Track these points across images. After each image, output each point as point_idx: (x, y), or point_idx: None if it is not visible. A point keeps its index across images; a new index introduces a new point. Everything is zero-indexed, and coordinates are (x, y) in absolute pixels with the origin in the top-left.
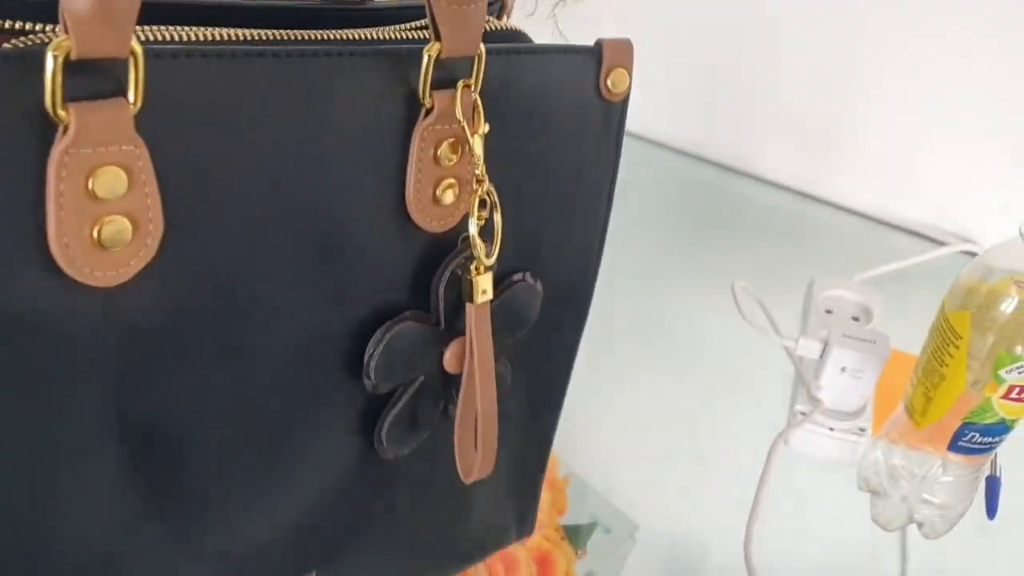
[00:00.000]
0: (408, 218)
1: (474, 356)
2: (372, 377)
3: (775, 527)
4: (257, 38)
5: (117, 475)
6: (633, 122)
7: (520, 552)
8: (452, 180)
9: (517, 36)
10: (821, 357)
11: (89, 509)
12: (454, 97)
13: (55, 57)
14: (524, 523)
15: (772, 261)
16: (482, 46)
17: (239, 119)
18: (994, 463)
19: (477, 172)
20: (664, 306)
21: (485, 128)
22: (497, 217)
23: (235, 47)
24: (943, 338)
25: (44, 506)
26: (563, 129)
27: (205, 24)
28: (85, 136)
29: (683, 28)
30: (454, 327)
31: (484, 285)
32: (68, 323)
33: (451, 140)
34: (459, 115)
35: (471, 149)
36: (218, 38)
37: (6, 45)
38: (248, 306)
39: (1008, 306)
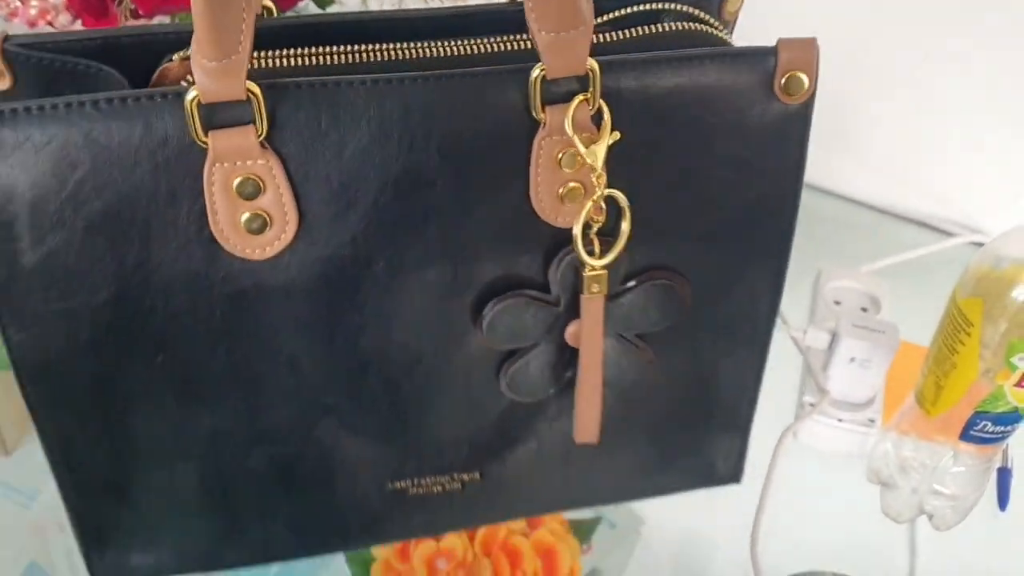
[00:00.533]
0: (534, 214)
1: (583, 340)
2: (485, 334)
3: (784, 521)
4: (357, 59)
5: (303, 395)
6: None
7: (524, 545)
8: (576, 184)
9: (704, 38)
10: (829, 348)
11: (279, 419)
12: (565, 112)
13: (190, 100)
14: (727, 472)
15: None
16: (594, 62)
17: (363, 133)
18: (1006, 454)
19: (594, 178)
20: None
21: (615, 136)
22: (624, 224)
23: (336, 78)
24: (954, 326)
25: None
26: (729, 136)
27: (318, 41)
28: (222, 155)
29: None
30: (576, 309)
31: (595, 281)
32: (241, 282)
33: (571, 150)
34: (569, 131)
35: (583, 159)
36: (322, 63)
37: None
38: (382, 270)
39: (1020, 293)
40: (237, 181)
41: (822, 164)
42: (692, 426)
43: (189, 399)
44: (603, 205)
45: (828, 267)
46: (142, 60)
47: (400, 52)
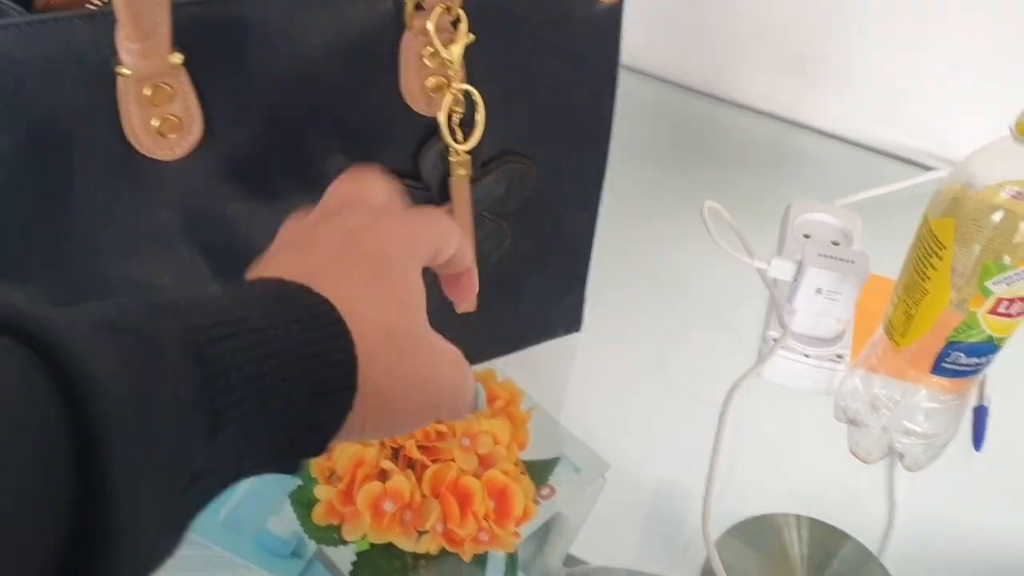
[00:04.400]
0: (407, 107)
1: (456, 220)
2: None
3: (748, 461)
4: None
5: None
6: None
7: (474, 485)
8: (439, 78)
9: None
10: (795, 279)
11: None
12: (427, 19)
13: (124, 79)
14: (571, 323)
15: (749, 187)
16: None
17: (256, 42)
18: (982, 391)
19: (451, 73)
20: (634, 232)
21: (469, 38)
22: (478, 115)
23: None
24: (925, 249)
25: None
26: (558, 33)
27: None
28: (137, 76)
29: None
30: (445, 193)
31: (460, 166)
32: (147, 180)
33: (431, 48)
34: (431, 32)
35: (442, 56)
36: None
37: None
38: (279, 164)
39: (996, 213)
40: (149, 91)
41: (798, 98)
42: (541, 285)
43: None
44: (461, 98)
45: (799, 201)
46: None
47: None
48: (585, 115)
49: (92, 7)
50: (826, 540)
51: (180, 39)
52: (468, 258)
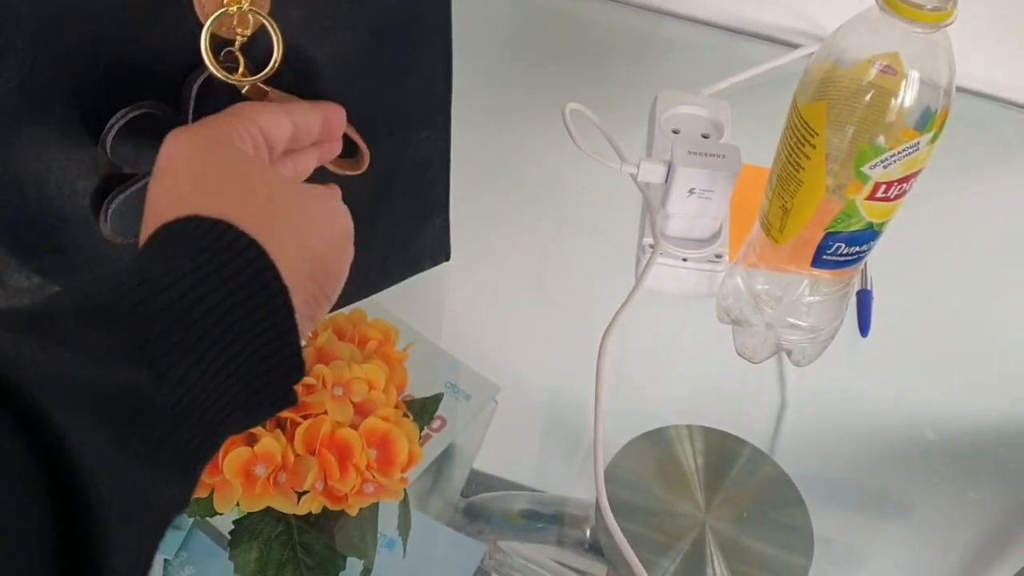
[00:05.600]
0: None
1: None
2: (108, 154)
3: (640, 374)
4: None
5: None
6: None
7: (352, 436)
8: None
9: None
10: (667, 181)
11: None
12: None
13: None
14: (438, 251)
15: (613, 82)
16: None
17: None
18: (864, 275)
19: None
20: (494, 144)
21: None
22: (277, 42)
23: None
24: (797, 137)
25: None
26: None
27: None
28: None
29: None
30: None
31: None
32: None
33: None
34: None
35: None
36: None
37: None
38: (60, 110)
39: (866, 92)
40: None
41: None
42: (401, 213)
43: None
44: (250, 19)
45: (666, 94)
46: None
47: None
48: (418, 22)
49: None
50: (720, 447)
51: None
52: (315, 120)
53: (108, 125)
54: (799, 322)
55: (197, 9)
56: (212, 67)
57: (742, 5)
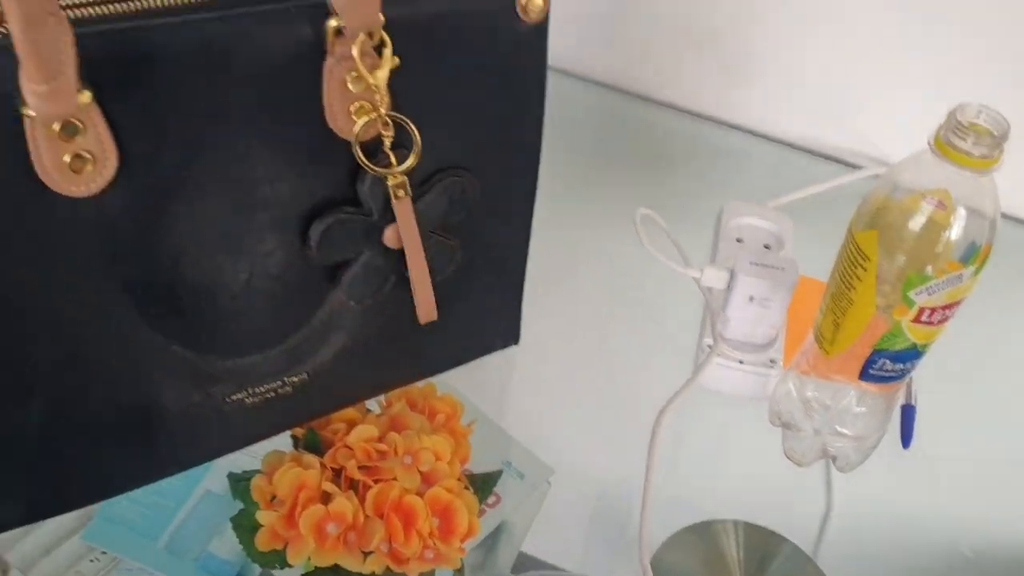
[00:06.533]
0: (332, 134)
1: (404, 240)
2: (315, 251)
3: (689, 468)
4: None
5: (138, 316)
6: None
7: (417, 504)
8: (363, 103)
9: None
10: (728, 287)
11: (124, 341)
12: (351, 44)
13: (31, 122)
14: (509, 336)
15: (682, 190)
16: (380, 14)
17: (170, 72)
18: (909, 390)
19: (377, 99)
20: (569, 240)
21: (394, 62)
22: (412, 139)
23: (144, 23)
24: (851, 260)
25: (88, 336)
26: (484, 53)
27: None
28: (44, 114)
29: None
30: (389, 215)
31: (399, 188)
32: (64, 218)
33: (355, 74)
34: (357, 60)
35: (367, 81)
36: (130, 9)
37: None
38: (197, 197)
39: (917, 224)
40: (58, 128)
41: (730, 100)
42: (476, 299)
43: (31, 337)
44: (389, 121)
45: (732, 204)
46: None
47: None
48: (515, 130)
49: None
50: (763, 544)
51: (88, 73)
52: None
53: (310, 233)
54: (845, 430)
55: (331, 124)
56: (368, 167)
57: (810, 126)
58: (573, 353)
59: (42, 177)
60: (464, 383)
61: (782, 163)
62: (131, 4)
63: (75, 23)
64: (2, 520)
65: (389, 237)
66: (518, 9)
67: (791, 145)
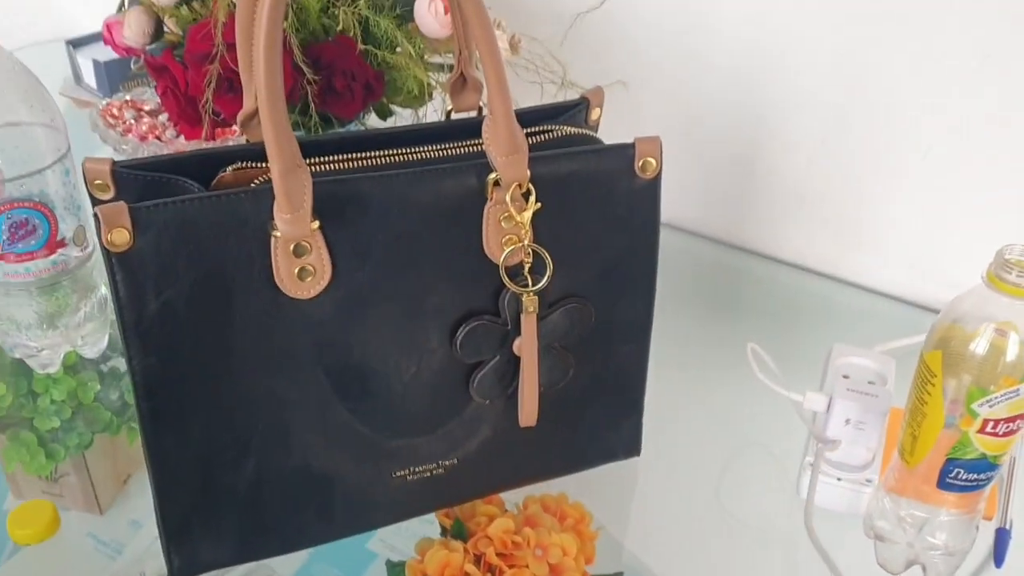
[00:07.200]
0: (487, 259)
1: (523, 349)
2: (459, 352)
3: None
4: (376, 162)
5: (334, 396)
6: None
7: None
8: (512, 236)
9: (585, 139)
10: (827, 410)
11: (321, 417)
12: (505, 193)
13: (275, 240)
14: (630, 447)
15: (793, 337)
16: (528, 171)
17: (373, 211)
18: (1004, 514)
19: (523, 233)
20: (687, 371)
21: (536, 206)
22: (546, 266)
23: (358, 175)
24: (922, 378)
25: (292, 412)
26: (608, 202)
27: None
28: (285, 235)
29: (704, 116)
30: (519, 328)
31: (530, 305)
32: (288, 315)
33: (508, 214)
34: (508, 204)
35: (516, 220)
36: (351, 165)
37: (255, 182)
38: (386, 302)
39: (976, 346)
40: (293, 246)
41: (837, 256)
42: (603, 409)
43: (254, 407)
44: (530, 251)
45: (839, 346)
46: (204, 171)
47: (400, 156)
48: (632, 265)
49: (256, 184)
50: None
51: (318, 209)
52: None
53: (457, 333)
54: (934, 540)
55: (487, 251)
56: (510, 286)
57: (912, 279)
58: (687, 466)
59: (278, 282)
60: (590, 496)
61: (890, 314)
62: (350, 163)
63: (313, 174)
64: (216, 559)
65: (518, 346)
66: (636, 168)
67: (898, 299)
